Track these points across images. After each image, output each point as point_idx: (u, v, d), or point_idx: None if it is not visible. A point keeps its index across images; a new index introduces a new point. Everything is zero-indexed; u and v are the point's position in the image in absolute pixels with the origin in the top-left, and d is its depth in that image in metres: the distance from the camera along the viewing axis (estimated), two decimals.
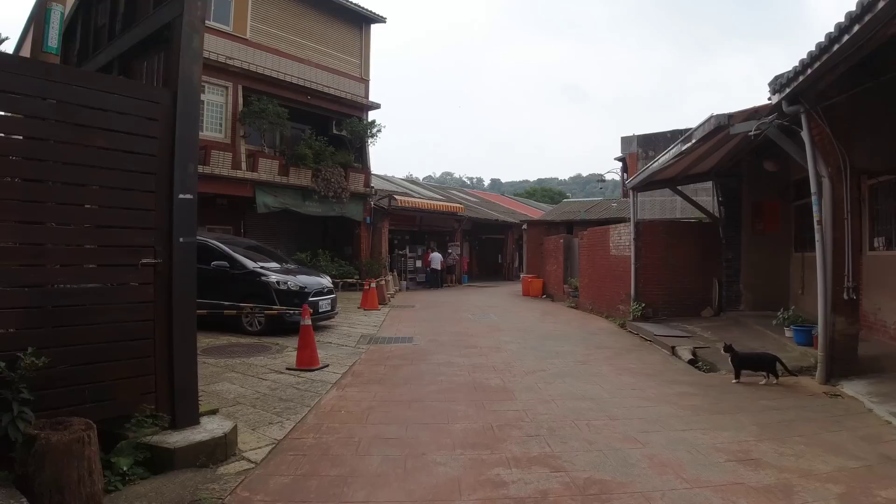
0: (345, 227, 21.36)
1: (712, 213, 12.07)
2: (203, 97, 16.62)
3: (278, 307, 9.00)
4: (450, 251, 25.73)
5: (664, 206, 18.16)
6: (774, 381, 6.16)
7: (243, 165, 17.30)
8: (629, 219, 11.64)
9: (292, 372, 6.72)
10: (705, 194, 13.33)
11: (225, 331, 9.31)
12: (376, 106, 21.71)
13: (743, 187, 11.56)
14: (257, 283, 9.36)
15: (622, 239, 12.46)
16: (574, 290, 15.71)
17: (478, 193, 40.41)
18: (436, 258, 23.43)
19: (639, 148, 30.81)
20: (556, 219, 21.75)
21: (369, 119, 21.39)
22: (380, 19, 21.68)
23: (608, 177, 25.42)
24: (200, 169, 16.62)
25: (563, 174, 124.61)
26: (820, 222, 6.27)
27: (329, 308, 10.15)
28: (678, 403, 5.48)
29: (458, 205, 26.02)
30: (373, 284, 13.59)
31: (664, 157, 9.47)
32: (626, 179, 32.73)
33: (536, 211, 39.05)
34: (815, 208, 6.34)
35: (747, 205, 11.51)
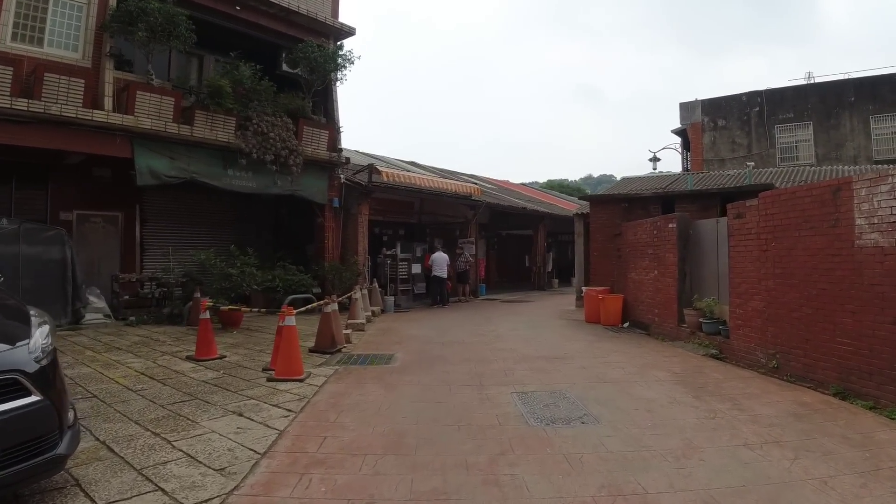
0: (306, 215, 13.94)
1: None
2: None
3: None
4: (461, 251, 18.07)
5: None
6: None
7: (107, 103, 9.90)
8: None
9: None
10: None
11: None
12: (349, 31, 14.26)
13: None
14: None
15: None
16: (711, 321, 8.10)
17: (494, 180, 32.63)
18: (440, 260, 15.78)
19: (704, 116, 23.10)
20: (640, 192, 13.37)
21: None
22: None
23: (661, 155, 17.51)
24: (24, 105, 6.14)
25: (574, 174, 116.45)
26: None
27: None
28: None
29: (472, 185, 18.44)
30: (290, 319, 5.89)
31: None
32: (688, 157, 25.10)
33: (567, 203, 31.28)
34: None
35: None
